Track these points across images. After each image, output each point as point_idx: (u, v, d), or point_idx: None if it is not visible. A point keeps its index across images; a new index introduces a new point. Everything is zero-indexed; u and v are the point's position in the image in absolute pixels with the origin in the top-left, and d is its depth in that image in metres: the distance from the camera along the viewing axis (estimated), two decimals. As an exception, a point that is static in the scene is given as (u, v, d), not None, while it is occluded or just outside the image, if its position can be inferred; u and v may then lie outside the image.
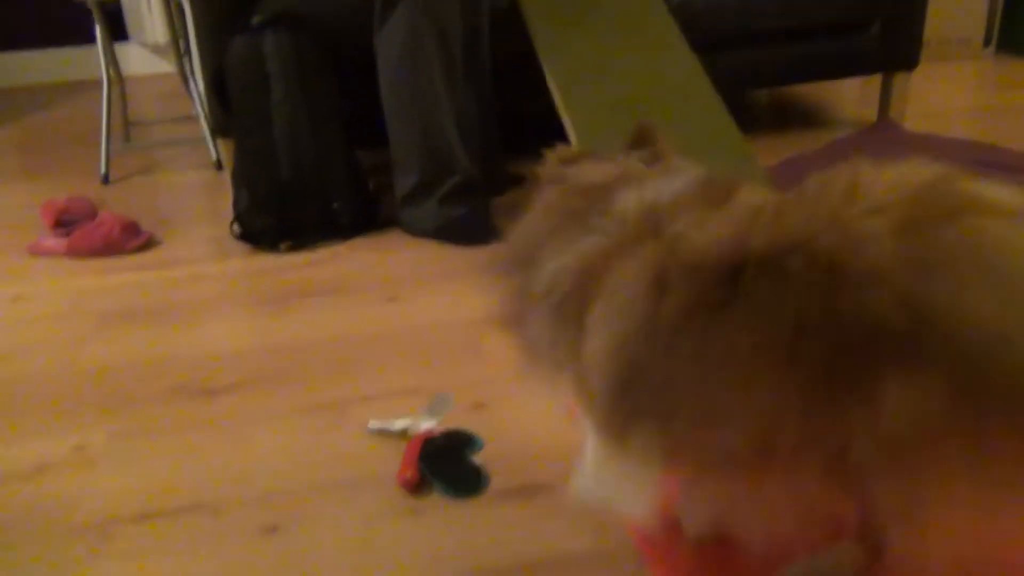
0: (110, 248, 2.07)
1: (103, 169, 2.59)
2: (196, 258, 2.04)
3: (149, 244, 2.12)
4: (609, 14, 2.04)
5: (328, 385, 1.49)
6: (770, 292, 0.70)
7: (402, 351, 1.59)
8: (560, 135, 1.87)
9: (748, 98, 3.16)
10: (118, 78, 2.81)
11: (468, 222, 2.03)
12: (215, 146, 2.66)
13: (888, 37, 2.54)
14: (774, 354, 0.70)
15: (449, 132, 2.00)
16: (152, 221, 2.23)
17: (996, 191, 0.68)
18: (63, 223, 2.16)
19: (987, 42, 3.45)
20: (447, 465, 1.23)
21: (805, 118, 2.90)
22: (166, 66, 3.95)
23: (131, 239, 2.10)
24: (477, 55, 2.13)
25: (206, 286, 1.90)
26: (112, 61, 2.72)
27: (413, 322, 1.69)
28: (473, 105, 2.12)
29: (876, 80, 2.71)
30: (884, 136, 2.55)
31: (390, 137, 2.04)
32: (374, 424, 1.35)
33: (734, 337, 0.72)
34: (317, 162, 2.07)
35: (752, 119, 2.92)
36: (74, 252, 2.07)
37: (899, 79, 2.66)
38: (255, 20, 2.14)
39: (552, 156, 1.04)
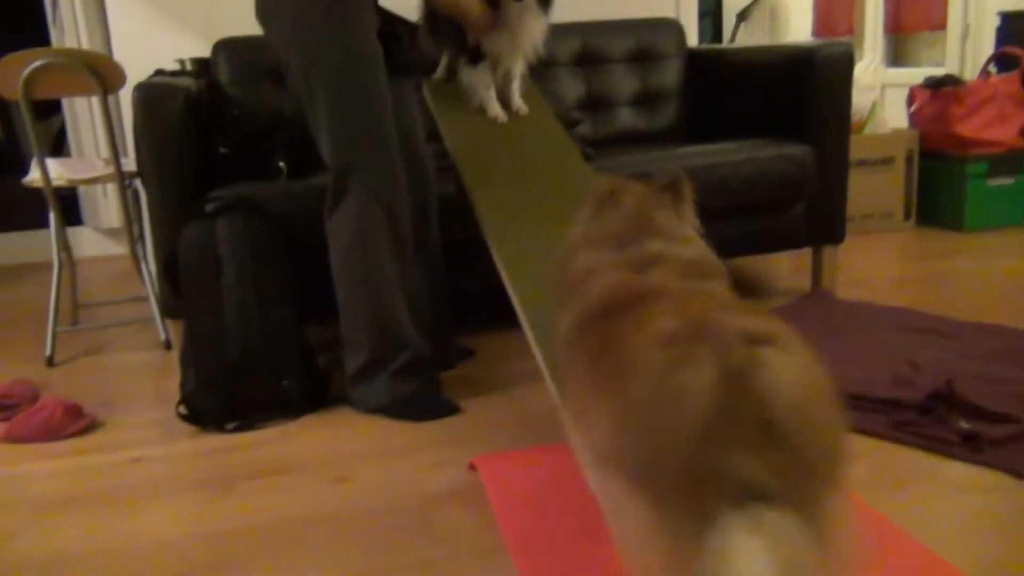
0: (50, 433, 2.02)
1: (48, 351, 2.56)
2: (140, 441, 2.00)
3: (92, 427, 2.08)
4: (553, 201, 2.15)
5: (274, 573, 1.44)
6: (598, 329, 1.06)
7: (351, 534, 1.55)
8: (509, 311, 1.92)
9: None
10: (69, 261, 2.83)
11: (418, 398, 2.04)
12: (164, 326, 2.66)
13: (813, 215, 2.71)
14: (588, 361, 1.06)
15: (399, 311, 2.04)
16: (96, 403, 2.20)
17: (764, 354, 0.86)
18: (2, 408, 2.11)
19: (907, 215, 3.68)
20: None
21: (744, 289, 3.02)
22: (118, 248, 4.00)
23: (73, 422, 2.06)
24: (427, 236, 2.21)
25: (149, 470, 1.85)
26: (64, 245, 2.75)
27: (362, 502, 1.66)
28: (423, 283, 2.18)
29: (808, 252, 2.86)
30: (819, 304, 2.67)
31: (341, 317, 2.07)
32: (321, 614, 1.30)
33: (581, 347, 1.10)
34: (266, 342, 2.09)
35: (693, 291, 3.03)
36: (12, 438, 2.02)
37: (828, 252, 2.81)
38: (209, 207, 2.20)
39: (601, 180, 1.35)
